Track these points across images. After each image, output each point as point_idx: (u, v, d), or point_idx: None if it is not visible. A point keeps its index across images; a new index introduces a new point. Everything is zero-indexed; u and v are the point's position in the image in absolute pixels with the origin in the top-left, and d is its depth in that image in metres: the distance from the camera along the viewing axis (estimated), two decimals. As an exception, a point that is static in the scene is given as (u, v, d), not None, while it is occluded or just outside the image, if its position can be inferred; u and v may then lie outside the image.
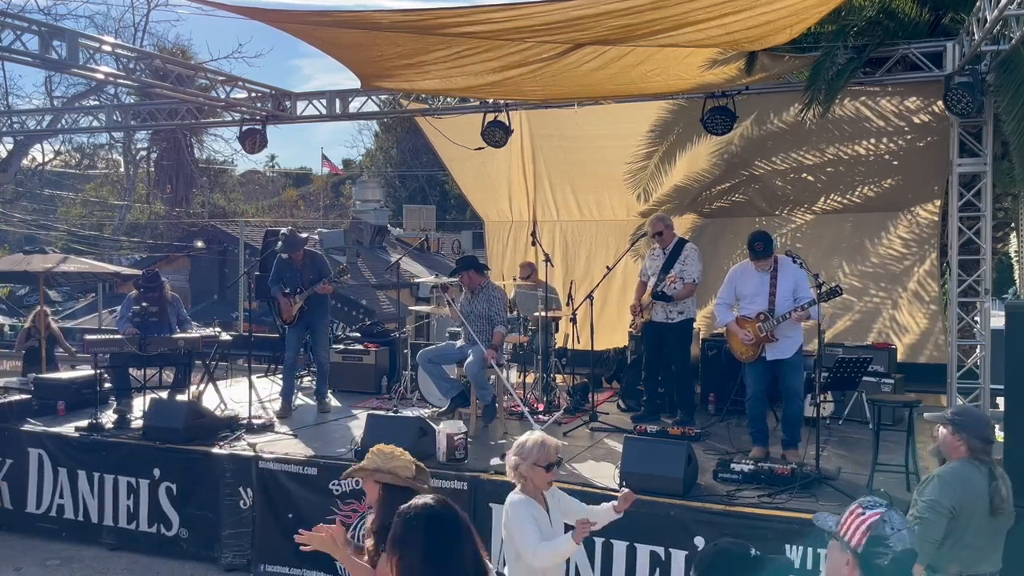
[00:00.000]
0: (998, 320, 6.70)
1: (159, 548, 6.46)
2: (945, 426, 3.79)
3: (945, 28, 7.35)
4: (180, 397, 7.57)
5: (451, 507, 2.49)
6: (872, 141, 8.41)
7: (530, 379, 8.35)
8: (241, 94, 9.00)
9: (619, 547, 5.12)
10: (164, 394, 7.56)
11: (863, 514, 2.40)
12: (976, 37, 6.22)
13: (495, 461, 5.93)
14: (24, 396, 7.58)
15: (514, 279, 9.11)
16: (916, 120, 8.13)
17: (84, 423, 6.99)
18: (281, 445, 6.53)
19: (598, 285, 7.66)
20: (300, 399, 8.36)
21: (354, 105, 9.12)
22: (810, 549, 4.68)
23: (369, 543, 3.20)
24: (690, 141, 8.87)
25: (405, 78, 7.50)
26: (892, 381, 7.31)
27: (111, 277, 14.63)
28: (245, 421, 7.06)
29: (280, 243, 7.78)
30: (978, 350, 7.42)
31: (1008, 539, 3.79)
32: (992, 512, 3.64)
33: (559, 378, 8.57)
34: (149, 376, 7.87)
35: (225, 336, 7.99)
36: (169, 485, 6.44)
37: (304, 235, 8.03)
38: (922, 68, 7.03)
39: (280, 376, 8.37)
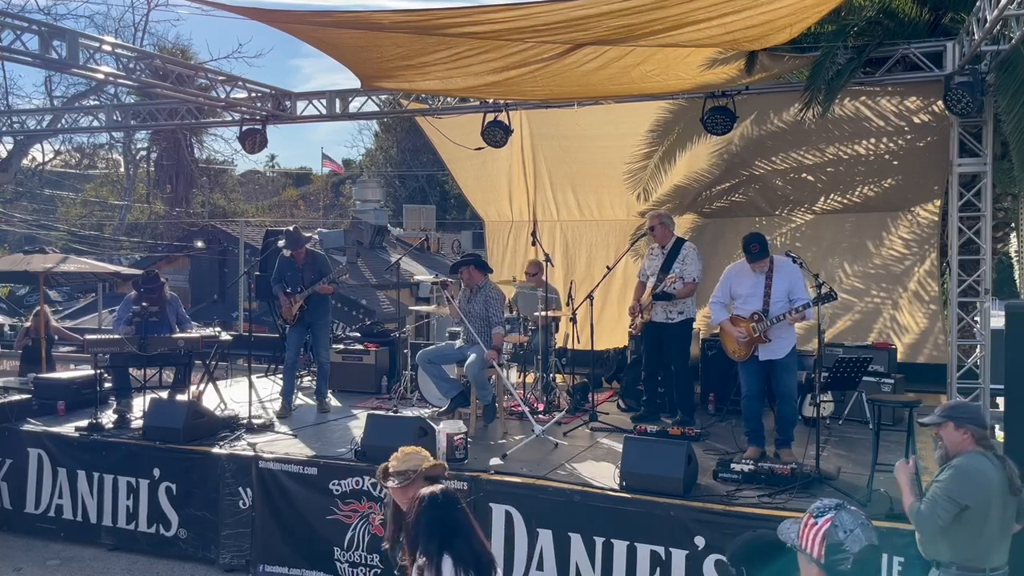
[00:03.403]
0: (998, 320, 6.70)
1: (158, 548, 6.45)
2: (945, 424, 3.78)
3: (945, 28, 7.35)
4: (180, 397, 7.56)
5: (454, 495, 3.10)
6: (872, 141, 8.41)
7: (530, 379, 8.35)
8: (241, 94, 9.00)
9: (619, 547, 5.12)
10: (164, 394, 7.55)
11: (816, 524, 2.41)
12: (976, 37, 6.22)
13: (495, 461, 5.94)
14: (24, 396, 7.58)
15: (514, 279, 9.11)
16: (916, 120, 8.12)
17: (84, 423, 6.99)
18: (281, 445, 6.53)
19: (598, 285, 7.66)
20: (300, 399, 8.36)
21: (354, 105, 9.12)
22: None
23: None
24: (690, 141, 8.87)
25: (405, 78, 7.50)
26: (892, 381, 7.31)
27: (111, 277, 14.62)
28: (245, 421, 7.07)
29: (283, 240, 7.82)
30: (978, 350, 7.41)
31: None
32: (1012, 492, 3.65)
33: (559, 378, 8.57)
34: (149, 376, 7.86)
35: (225, 336, 7.98)
36: (169, 485, 6.44)
37: (308, 234, 8.04)
38: (922, 68, 7.03)
39: (280, 376, 8.37)
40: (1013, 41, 6.05)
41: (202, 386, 7.98)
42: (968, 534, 3.61)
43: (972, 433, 3.72)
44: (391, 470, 3.50)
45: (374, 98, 9.11)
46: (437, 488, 3.13)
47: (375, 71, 7.24)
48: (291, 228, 8.03)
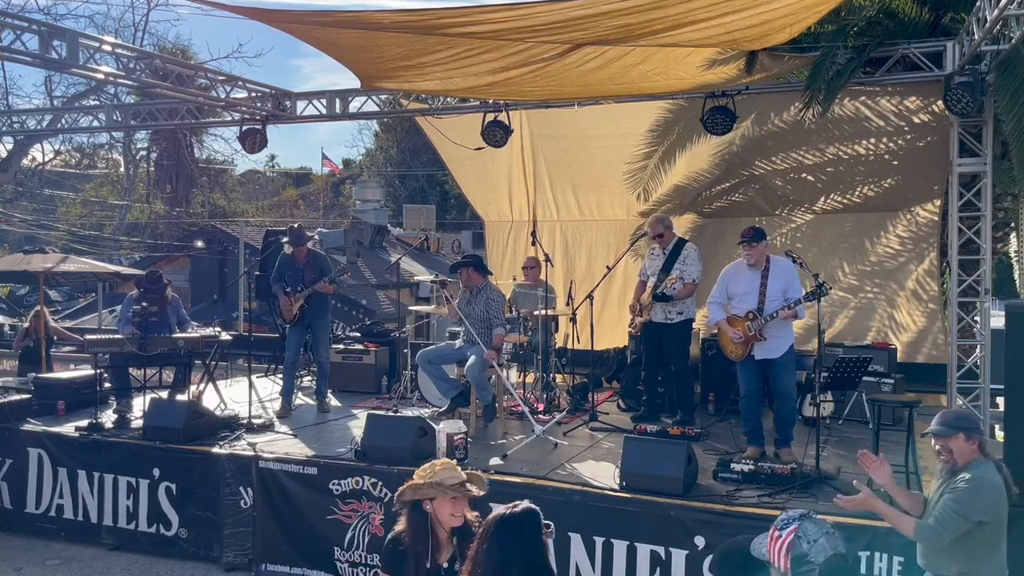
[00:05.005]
0: (998, 320, 6.70)
1: (159, 548, 6.45)
2: (956, 436, 3.67)
3: (945, 28, 7.35)
4: (180, 397, 7.57)
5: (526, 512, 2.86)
6: (872, 141, 8.41)
7: (530, 379, 8.35)
8: (241, 94, 9.00)
9: (619, 547, 5.12)
10: (164, 394, 7.55)
11: (780, 536, 2.40)
12: (976, 37, 6.22)
13: (495, 461, 5.94)
14: (24, 396, 7.58)
15: (513, 279, 9.11)
16: (916, 120, 8.12)
17: (84, 423, 6.99)
18: (281, 445, 6.53)
19: (598, 285, 7.66)
20: (300, 399, 8.36)
21: (354, 105, 9.12)
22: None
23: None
24: (690, 141, 8.87)
25: (405, 79, 7.50)
26: (892, 381, 7.31)
27: (111, 277, 14.62)
28: (245, 421, 7.07)
29: (287, 236, 7.83)
30: (978, 350, 7.42)
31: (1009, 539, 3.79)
32: (1009, 497, 3.61)
33: (559, 378, 8.57)
34: (149, 376, 7.86)
35: (225, 336, 7.98)
36: (169, 485, 6.44)
37: (308, 234, 8.06)
38: (922, 68, 7.04)
39: (280, 376, 8.37)
40: (1013, 41, 6.06)
41: (202, 386, 7.98)
42: (987, 547, 3.58)
43: (979, 443, 3.66)
44: (449, 482, 3.34)
45: (374, 98, 9.12)
46: (510, 512, 2.87)
47: (375, 71, 7.24)
48: (294, 225, 8.06)
